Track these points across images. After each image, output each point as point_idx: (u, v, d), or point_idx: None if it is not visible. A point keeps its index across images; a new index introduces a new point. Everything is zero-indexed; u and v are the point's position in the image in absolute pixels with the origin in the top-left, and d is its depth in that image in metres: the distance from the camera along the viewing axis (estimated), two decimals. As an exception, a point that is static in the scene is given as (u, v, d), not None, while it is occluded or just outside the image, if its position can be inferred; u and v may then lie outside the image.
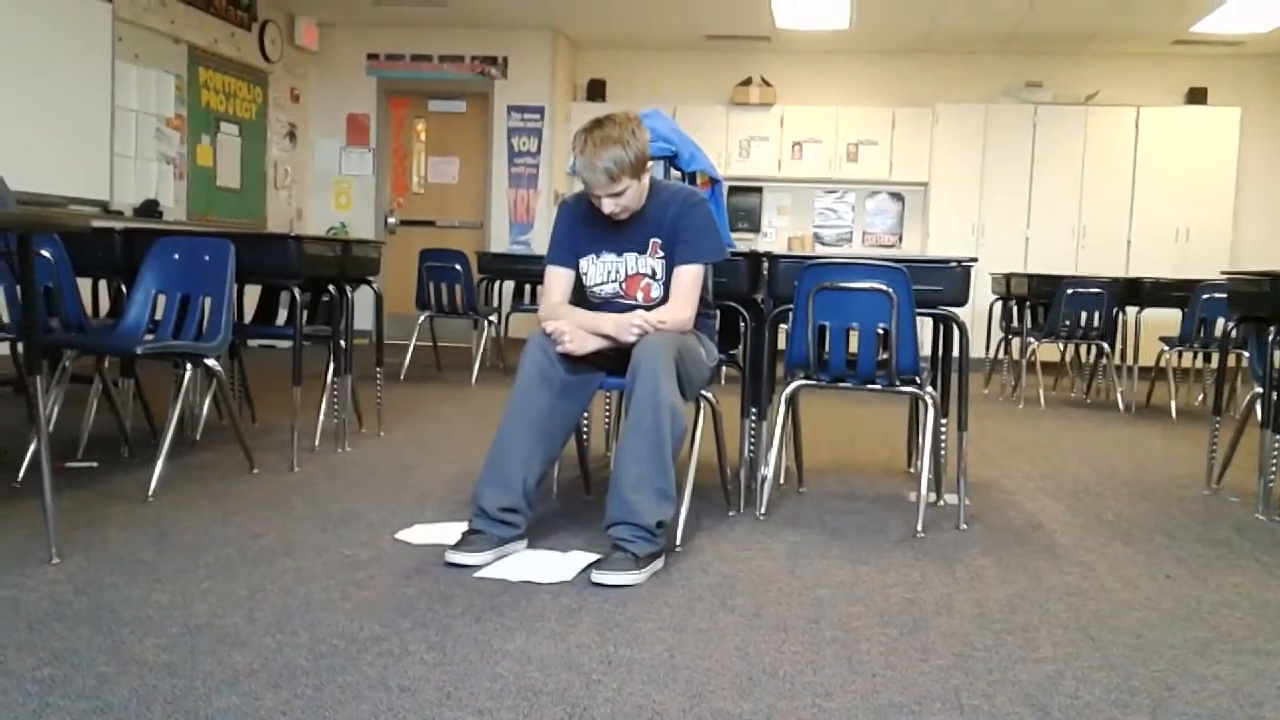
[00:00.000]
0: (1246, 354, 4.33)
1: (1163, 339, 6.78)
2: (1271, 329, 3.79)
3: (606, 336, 3.04)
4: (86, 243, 4.21)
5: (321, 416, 4.63)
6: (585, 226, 3.20)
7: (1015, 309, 7.48)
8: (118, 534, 3.04)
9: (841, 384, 3.54)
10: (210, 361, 3.73)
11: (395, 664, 2.15)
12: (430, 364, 7.75)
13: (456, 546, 2.89)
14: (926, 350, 3.78)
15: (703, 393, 3.20)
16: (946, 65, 9.97)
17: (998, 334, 7.81)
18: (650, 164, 3.09)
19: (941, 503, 3.79)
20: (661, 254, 3.13)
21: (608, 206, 3.04)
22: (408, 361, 7.25)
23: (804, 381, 3.56)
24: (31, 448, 3.63)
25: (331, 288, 4.50)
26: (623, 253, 3.15)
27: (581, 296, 3.23)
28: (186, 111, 8.17)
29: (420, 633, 2.33)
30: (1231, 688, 2.18)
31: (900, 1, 8.40)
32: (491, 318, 7.44)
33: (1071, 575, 2.98)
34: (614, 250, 3.16)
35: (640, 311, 3.06)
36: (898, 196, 10.18)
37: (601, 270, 3.18)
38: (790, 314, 3.52)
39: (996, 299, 7.83)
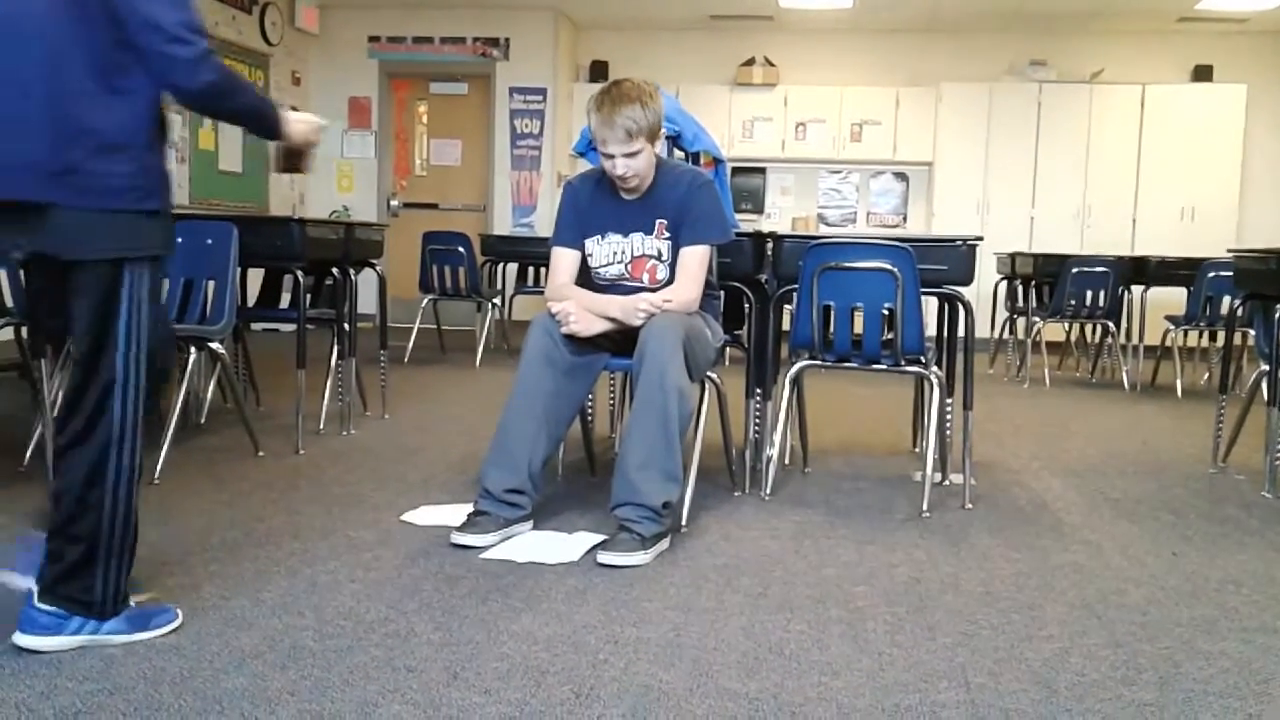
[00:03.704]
0: (1252, 332, 4.31)
1: (1168, 318, 6.76)
2: (1278, 307, 3.78)
3: (613, 319, 3.03)
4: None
5: (326, 400, 4.64)
6: (591, 207, 3.18)
7: (1020, 288, 7.45)
8: (124, 517, 3.04)
9: (846, 364, 3.54)
10: (214, 345, 3.73)
11: (402, 645, 2.15)
12: (434, 347, 7.75)
13: (462, 528, 2.89)
14: (931, 330, 3.77)
15: (708, 374, 3.20)
16: (950, 44, 9.91)
17: (1003, 313, 7.79)
18: (663, 131, 3.08)
19: (947, 482, 3.79)
20: (668, 235, 3.12)
21: (619, 168, 3.01)
22: (411, 344, 7.25)
23: (809, 362, 3.55)
24: (36, 432, 3.63)
25: (335, 271, 4.49)
26: (629, 233, 3.14)
27: (587, 279, 3.22)
28: (188, 95, 8.14)
29: (426, 614, 2.34)
30: (1239, 664, 2.18)
31: (904, -20, 8.35)
32: (495, 300, 7.43)
33: (1077, 553, 2.98)
34: (620, 231, 3.14)
35: (646, 294, 3.05)
36: (902, 176, 10.14)
37: (607, 251, 3.16)
38: (795, 294, 3.51)
39: (1001, 278, 7.80)
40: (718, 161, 4.14)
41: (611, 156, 2.99)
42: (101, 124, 1.99)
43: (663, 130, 3.08)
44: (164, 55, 1.99)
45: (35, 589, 2.08)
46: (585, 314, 3.01)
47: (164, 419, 3.56)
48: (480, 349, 7.20)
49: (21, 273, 2.19)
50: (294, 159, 2.42)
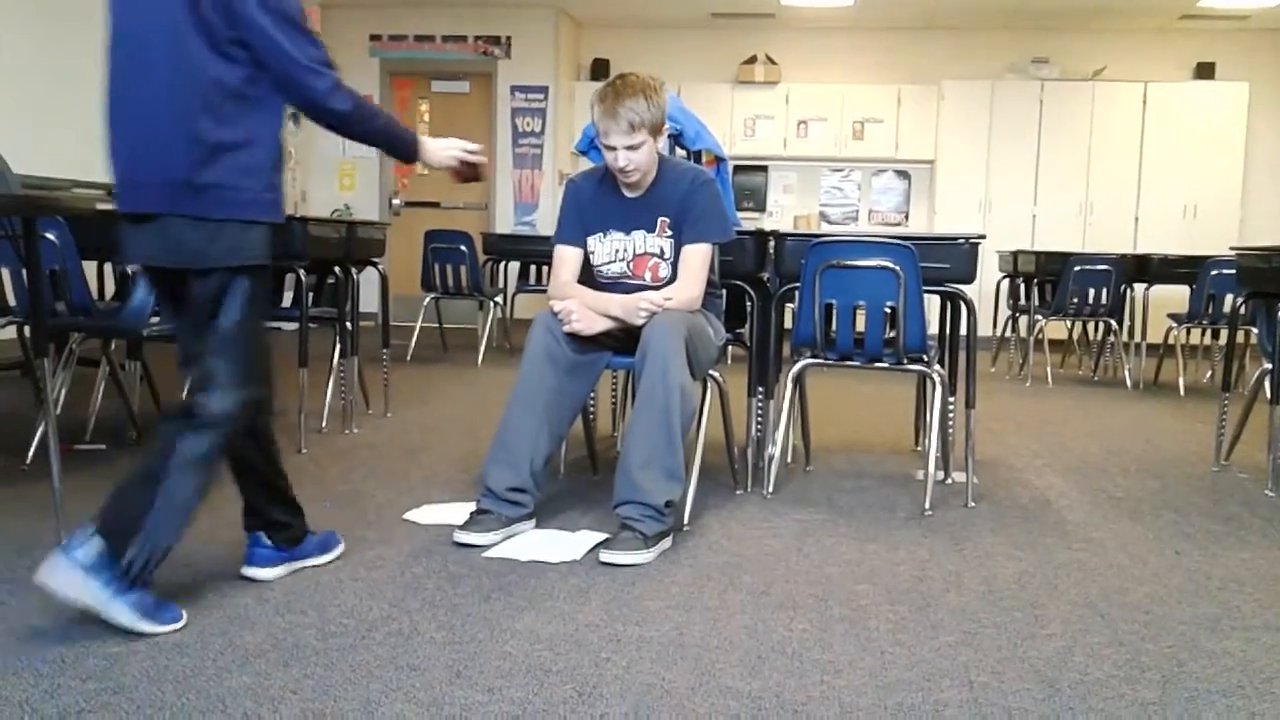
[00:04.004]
0: (1255, 330, 4.30)
1: (1171, 316, 6.75)
2: (1281, 304, 3.77)
3: (614, 318, 3.03)
4: (91, 225, 4.20)
5: (328, 398, 4.64)
6: (593, 205, 3.18)
7: (1022, 286, 7.45)
8: (126, 516, 3.04)
9: (848, 362, 3.54)
10: (216, 343, 3.73)
11: (405, 643, 2.16)
12: (436, 345, 7.75)
13: (465, 526, 2.89)
14: (934, 328, 3.76)
15: (710, 372, 3.20)
16: (952, 42, 9.90)
17: (1005, 312, 7.79)
18: (666, 127, 3.08)
19: (949, 481, 3.79)
20: (670, 233, 3.12)
21: (621, 160, 3.00)
22: (414, 343, 7.25)
23: (811, 360, 3.55)
24: (39, 430, 3.64)
25: (337, 269, 4.49)
26: (631, 231, 3.14)
27: (589, 276, 3.22)
28: (190, 94, 8.13)
29: (429, 612, 2.34)
30: (1242, 663, 2.18)
31: (906, -23, 8.34)
32: (497, 299, 7.43)
33: (1080, 552, 2.98)
34: (622, 229, 3.14)
35: (647, 292, 3.04)
36: (904, 174, 10.14)
37: (609, 249, 3.16)
38: (797, 293, 3.51)
39: (1003, 276, 7.80)
40: (719, 160, 4.14)
41: (613, 149, 2.99)
42: (238, 144, 2.21)
43: (666, 126, 3.08)
44: (301, 85, 2.25)
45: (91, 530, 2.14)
46: (587, 312, 3.01)
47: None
48: (482, 347, 7.20)
49: (147, 280, 2.48)
50: (467, 169, 2.68)
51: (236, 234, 2.23)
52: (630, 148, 2.97)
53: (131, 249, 2.31)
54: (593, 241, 3.18)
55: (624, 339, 3.06)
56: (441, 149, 2.61)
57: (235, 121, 2.20)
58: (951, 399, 3.72)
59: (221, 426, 2.26)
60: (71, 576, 2.09)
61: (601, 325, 3.02)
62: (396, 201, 10.06)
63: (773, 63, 9.98)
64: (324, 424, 4.50)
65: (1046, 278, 7.14)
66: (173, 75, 2.17)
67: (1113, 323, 6.87)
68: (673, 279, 3.11)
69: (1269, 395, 3.87)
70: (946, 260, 3.51)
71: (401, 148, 2.53)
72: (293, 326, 4.26)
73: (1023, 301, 7.45)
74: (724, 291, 3.45)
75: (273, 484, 2.56)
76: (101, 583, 2.10)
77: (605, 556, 2.73)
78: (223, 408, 2.25)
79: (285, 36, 2.20)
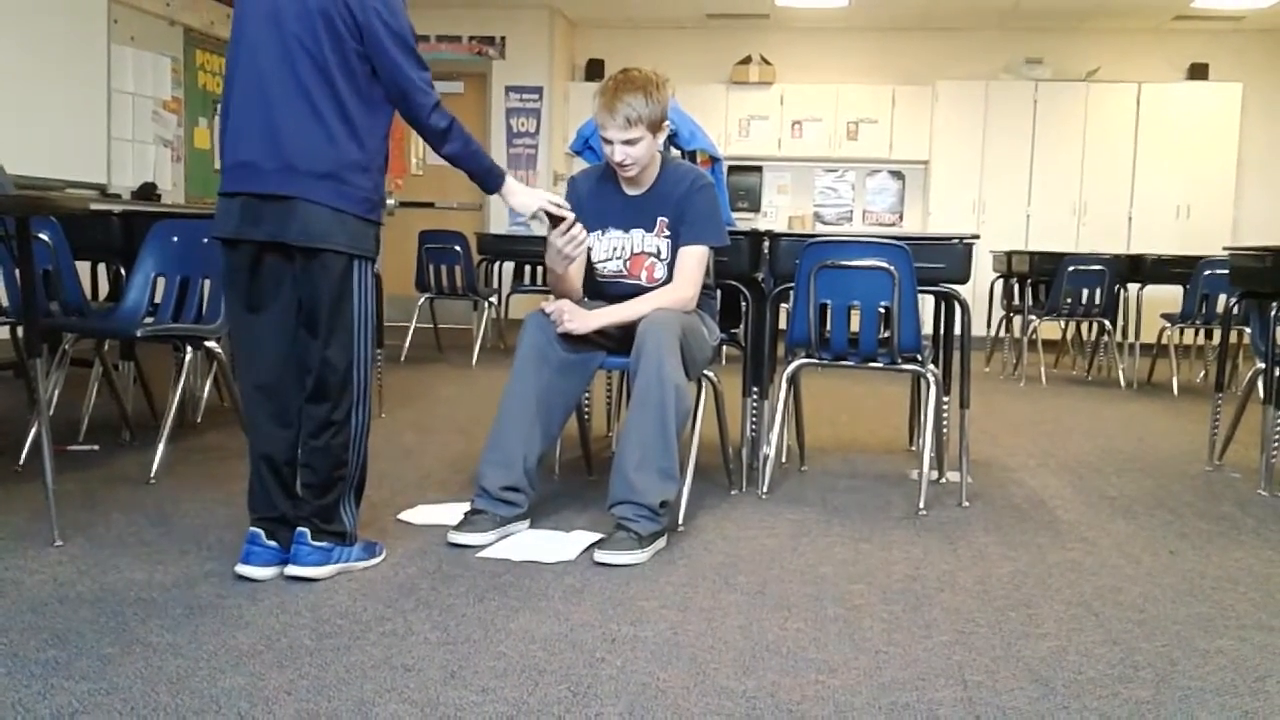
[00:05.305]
0: (1248, 330, 4.31)
1: (1164, 316, 6.76)
2: (1273, 305, 3.78)
3: (611, 323, 3.03)
4: (85, 226, 4.20)
5: (322, 398, 4.62)
6: (593, 202, 3.19)
7: (1016, 286, 7.46)
8: (120, 516, 3.04)
9: (843, 362, 3.54)
10: (210, 343, 3.73)
11: (399, 644, 2.15)
12: (430, 345, 7.74)
13: (459, 527, 2.89)
14: (928, 328, 3.77)
15: (705, 372, 3.20)
16: (946, 42, 9.91)
17: (999, 312, 7.79)
18: (667, 125, 3.09)
19: (943, 480, 3.79)
20: (667, 234, 3.12)
21: (618, 155, 3.02)
22: (408, 343, 7.24)
23: (805, 360, 3.55)
24: (32, 431, 3.62)
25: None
26: (629, 229, 3.14)
27: (588, 274, 3.22)
28: (183, 94, 8.13)
29: (424, 612, 2.34)
30: (1234, 662, 2.18)
31: (900, -22, 8.34)
32: (491, 299, 7.42)
33: (1074, 551, 2.98)
34: (621, 226, 3.15)
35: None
36: (898, 175, 10.14)
37: (606, 246, 3.17)
38: (791, 293, 3.52)
39: (997, 277, 7.81)
40: (714, 160, 4.15)
41: (610, 142, 3.00)
42: (357, 146, 2.50)
43: (667, 124, 3.09)
44: (410, 100, 2.56)
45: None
46: (580, 311, 3.01)
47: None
48: (477, 348, 7.19)
49: (229, 258, 2.59)
50: (555, 222, 2.91)
51: (351, 225, 2.49)
52: (627, 142, 2.98)
53: (252, 228, 2.49)
54: (591, 238, 3.18)
55: (619, 339, 3.06)
56: (527, 193, 2.87)
57: (361, 127, 2.49)
58: (946, 399, 3.72)
59: (365, 396, 2.57)
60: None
61: (595, 324, 3.02)
62: (391, 201, 10.01)
63: (767, 63, 9.98)
64: (318, 424, 4.49)
65: (1040, 278, 7.14)
66: (310, 79, 2.44)
67: (1106, 323, 6.88)
68: (668, 279, 3.12)
69: (1262, 395, 3.88)
70: (941, 260, 3.51)
71: (487, 176, 2.75)
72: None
73: (1016, 301, 7.46)
74: (719, 291, 3.46)
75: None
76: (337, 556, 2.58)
77: (600, 556, 2.72)
78: (362, 381, 2.55)
79: (403, 57, 2.53)
